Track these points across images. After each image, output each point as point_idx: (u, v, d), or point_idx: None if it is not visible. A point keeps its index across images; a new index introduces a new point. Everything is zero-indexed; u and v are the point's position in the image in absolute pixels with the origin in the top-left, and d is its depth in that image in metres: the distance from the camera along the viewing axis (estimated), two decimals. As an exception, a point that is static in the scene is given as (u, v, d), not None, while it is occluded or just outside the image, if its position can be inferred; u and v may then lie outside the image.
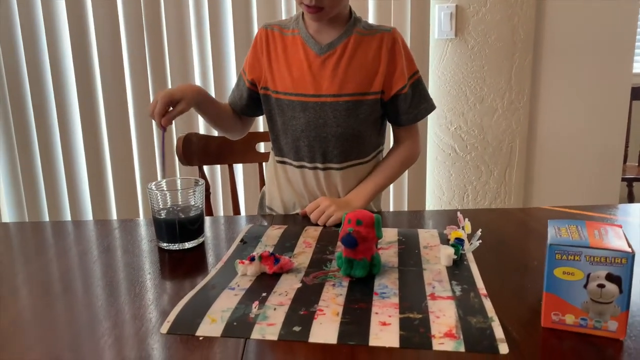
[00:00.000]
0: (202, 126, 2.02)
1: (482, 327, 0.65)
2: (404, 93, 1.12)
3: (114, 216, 2.07)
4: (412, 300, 0.72)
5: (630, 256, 0.59)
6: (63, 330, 0.68)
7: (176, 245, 0.93)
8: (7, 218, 2.06)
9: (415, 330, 0.64)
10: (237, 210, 1.46)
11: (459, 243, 0.87)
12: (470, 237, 0.90)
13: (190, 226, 0.93)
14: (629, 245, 0.60)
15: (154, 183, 0.95)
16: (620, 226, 0.67)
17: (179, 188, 1.02)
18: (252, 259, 0.81)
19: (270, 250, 0.90)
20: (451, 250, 0.84)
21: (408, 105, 1.14)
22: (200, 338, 0.64)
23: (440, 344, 0.62)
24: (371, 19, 1.97)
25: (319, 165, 1.14)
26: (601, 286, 0.60)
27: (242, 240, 0.96)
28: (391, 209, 2.13)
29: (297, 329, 0.65)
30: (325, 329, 0.65)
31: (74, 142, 2.00)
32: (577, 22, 1.99)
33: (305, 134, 1.12)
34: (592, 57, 2.02)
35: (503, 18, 1.93)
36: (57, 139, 1.99)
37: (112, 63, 1.93)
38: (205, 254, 0.92)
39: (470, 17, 1.94)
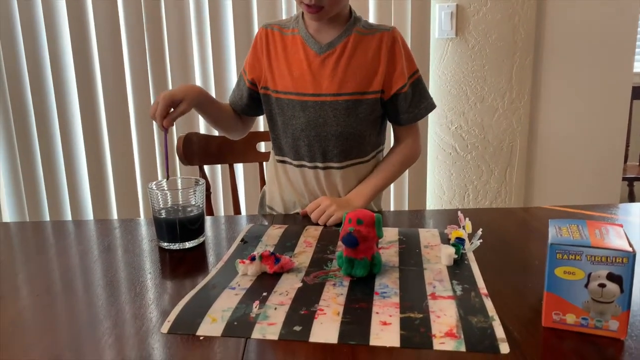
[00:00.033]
0: (202, 126, 2.02)
1: (482, 326, 0.65)
2: (404, 92, 1.12)
3: (115, 216, 2.07)
4: (413, 300, 0.72)
5: (632, 256, 0.59)
6: (63, 329, 0.68)
7: (177, 244, 0.93)
8: (7, 218, 2.06)
9: (416, 330, 0.64)
10: (237, 210, 1.46)
11: (459, 242, 0.87)
12: (471, 236, 0.90)
13: (191, 226, 0.93)
14: (630, 245, 0.60)
15: (154, 183, 0.95)
16: (621, 226, 0.67)
17: (180, 188, 1.03)
18: (252, 259, 0.81)
19: (271, 249, 0.90)
20: (452, 249, 0.84)
21: (408, 104, 1.14)
22: (201, 338, 0.64)
23: (441, 344, 0.61)
24: (371, 19, 1.97)
25: (319, 164, 1.14)
26: (602, 286, 0.60)
27: (242, 240, 0.96)
28: (392, 209, 2.13)
29: (297, 328, 0.65)
30: (325, 329, 0.65)
31: (74, 142, 2.00)
32: (577, 21, 1.99)
33: (305, 134, 1.12)
34: (592, 57, 2.02)
35: (504, 17, 1.93)
36: (58, 138, 1.99)
37: (113, 63, 1.93)
38: (206, 254, 0.92)
39: (470, 17, 1.94)
